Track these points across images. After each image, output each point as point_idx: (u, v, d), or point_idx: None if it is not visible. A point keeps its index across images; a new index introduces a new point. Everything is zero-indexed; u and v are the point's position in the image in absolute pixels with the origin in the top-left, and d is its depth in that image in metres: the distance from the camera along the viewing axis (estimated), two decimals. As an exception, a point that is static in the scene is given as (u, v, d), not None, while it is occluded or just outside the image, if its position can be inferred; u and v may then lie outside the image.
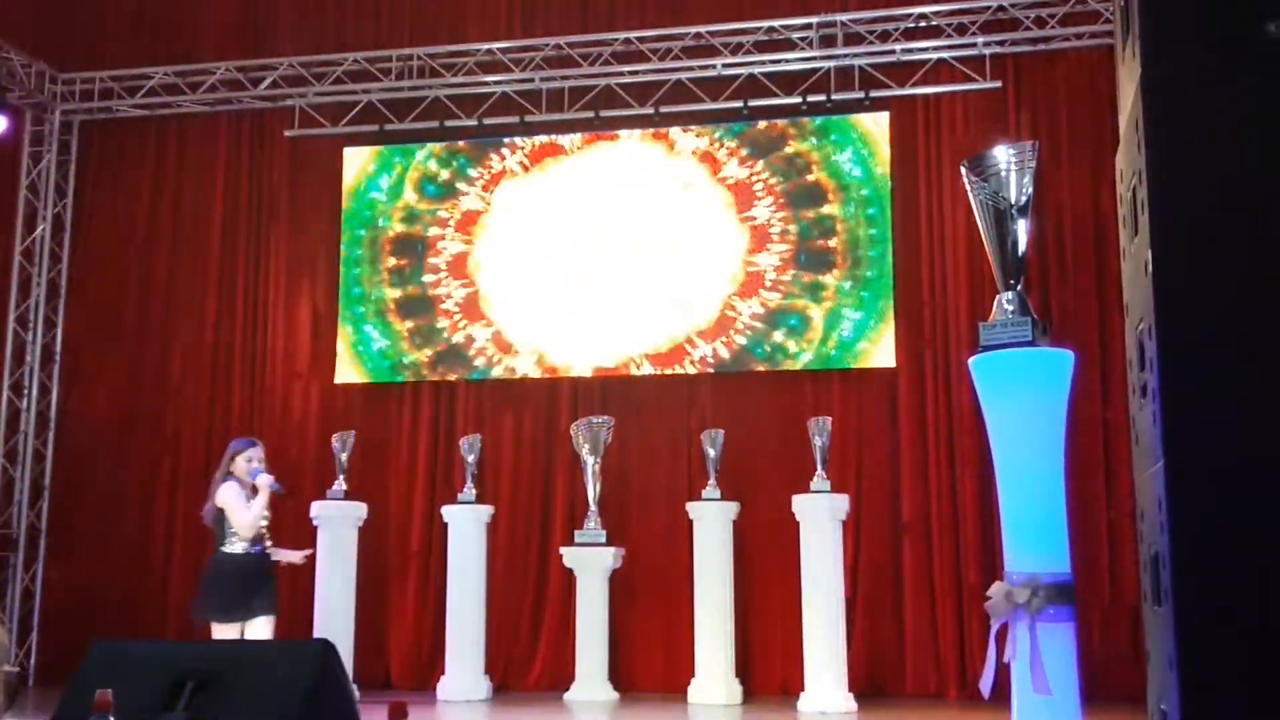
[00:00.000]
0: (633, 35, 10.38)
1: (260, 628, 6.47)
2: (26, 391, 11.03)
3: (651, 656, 9.64)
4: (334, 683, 3.01)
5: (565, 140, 10.53)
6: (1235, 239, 2.84)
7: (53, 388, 11.12)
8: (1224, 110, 2.90)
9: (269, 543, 6.57)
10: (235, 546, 6.46)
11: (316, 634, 8.73)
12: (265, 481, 6.47)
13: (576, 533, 9.45)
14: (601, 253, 10.28)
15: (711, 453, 9.28)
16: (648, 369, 10.09)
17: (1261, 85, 2.87)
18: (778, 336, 9.92)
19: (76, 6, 11.53)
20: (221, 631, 6.43)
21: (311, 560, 9.14)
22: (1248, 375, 2.77)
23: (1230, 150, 2.88)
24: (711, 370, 10.03)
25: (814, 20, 10.09)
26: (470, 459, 9.62)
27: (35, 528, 10.82)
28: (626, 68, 10.43)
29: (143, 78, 11.18)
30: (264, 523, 6.52)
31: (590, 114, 10.43)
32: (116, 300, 11.13)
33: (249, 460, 6.59)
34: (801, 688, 8.46)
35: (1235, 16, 2.92)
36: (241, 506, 6.44)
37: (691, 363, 10.04)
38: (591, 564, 9.27)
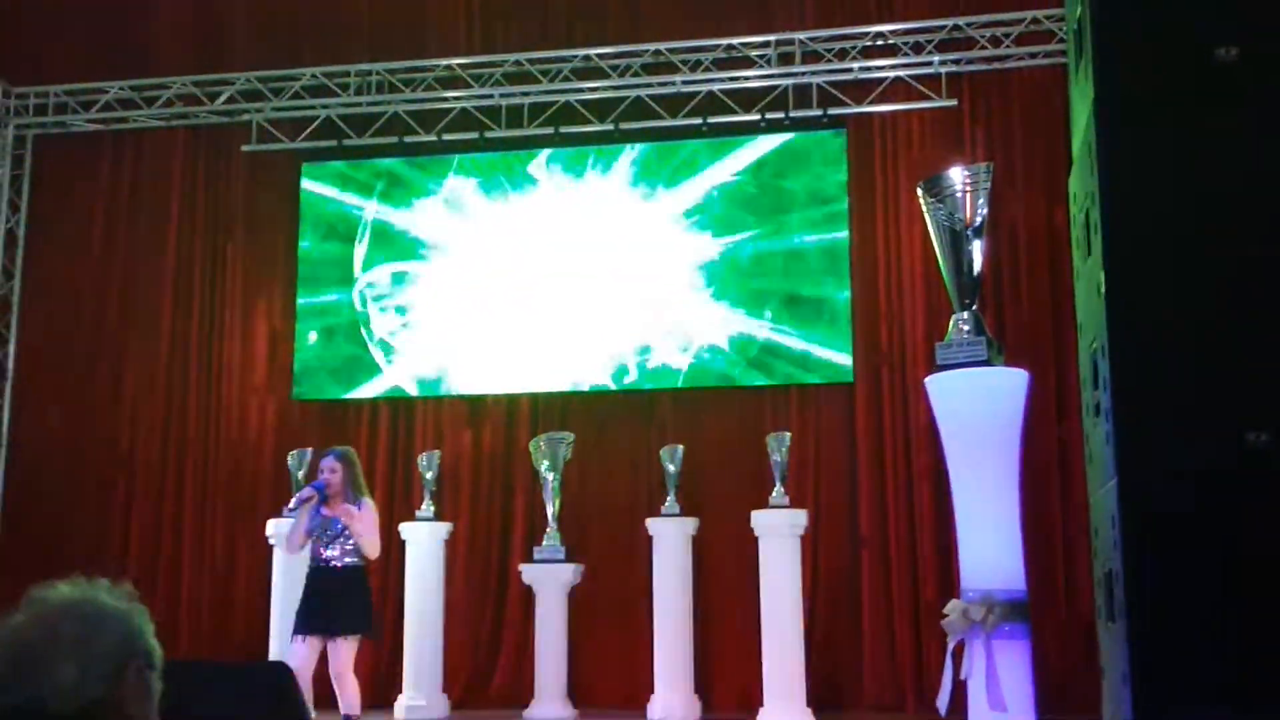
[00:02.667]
0: (592, 52, 10.40)
1: (341, 648, 6.36)
2: (-22, 408, 10.89)
3: (611, 672, 9.62)
4: (290, 706, 2.99)
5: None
6: (1186, 261, 2.88)
7: (4, 405, 10.98)
8: (1175, 134, 2.95)
9: (335, 543, 6.48)
10: (309, 562, 6.44)
11: (273, 654, 8.66)
12: (298, 496, 6.43)
13: (535, 549, 9.42)
14: (556, 268, 10.27)
15: (671, 468, 9.28)
16: (606, 385, 10.08)
17: (1211, 110, 2.92)
18: (735, 352, 9.94)
19: (30, 20, 11.40)
20: (295, 645, 6.34)
21: (269, 578, 9.13)
22: (1199, 394, 2.82)
23: (1181, 174, 2.93)
24: (671, 386, 10.04)
25: (772, 38, 10.16)
26: (429, 475, 9.58)
27: (-13, 546, 10.68)
28: (586, 84, 10.45)
29: (98, 92, 11.09)
30: (338, 532, 6.43)
31: (550, 130, 10.45)
32: (70, 317, 11.01)
33: (320, 472, 6.51)
34: (760, 702, 8.46)
35: (1185, 42, 2.97)
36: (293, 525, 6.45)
37: (650, 379, 10.04)
38: (550, 580, 9.24)
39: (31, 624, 1.75)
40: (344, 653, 6.34)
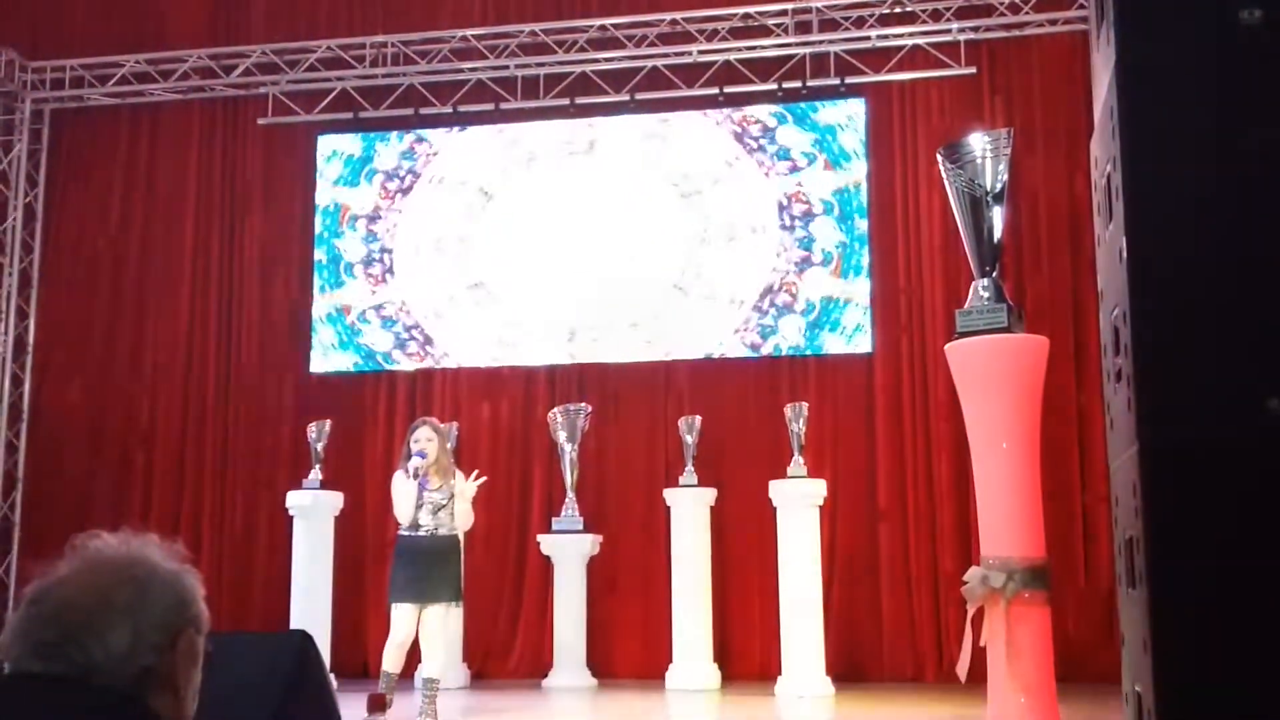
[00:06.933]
0: (608, 22, 10.35)
1: (433, 616, 6.42)
2: (-2, 382, 10.96)
3: (630, 642, 9.66)
4: (313, 674, 3.00)
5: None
6: (1210, 225, 2.85)
7: (25, 379, 11.03)
8: (1199, 97, 2.91)
9: (445, 512, 6.50)
10: (404, 529, 6.49)
11: (294, 624, 8.71)
12: (413, 466, 6.46)
13: (554, 520, 9.45)
14: (573, 238, 10.25)
15: (689, 439, 9.29)
16: (626, 356, 10.06)
17: (1237, 72, 2.88)
18: (753, 322, 9.91)
19: (46, -6, 11.43)
20: (398, 612, 6.42)
21: (289, 549, 9.16)
22: (1222, 361, 2.79)
23: (1204, 137, 2.89)
24: (688, 356, 10.02)
25: (789, 6, 10.09)
26: (447, 447, 9.59)
27: (9, 520, 10.75)
28: (602, 54, 10.41)
29: (114, 65, 11.08)
30: (441, 503, 6.47)
31: (565, 101, 10.41)
32: (89, 290, 11.05)
33: (415, 442, 6.54)
34: (779, 671, 8.50)
35: (1211, 3, 2.93)
36: (398, 495, 6.48)
37: (669, 349, 10.02)
38: (569, 551, 9.28)
39: (80, 585, 1.63)
40: (437, 619, 6.43)
